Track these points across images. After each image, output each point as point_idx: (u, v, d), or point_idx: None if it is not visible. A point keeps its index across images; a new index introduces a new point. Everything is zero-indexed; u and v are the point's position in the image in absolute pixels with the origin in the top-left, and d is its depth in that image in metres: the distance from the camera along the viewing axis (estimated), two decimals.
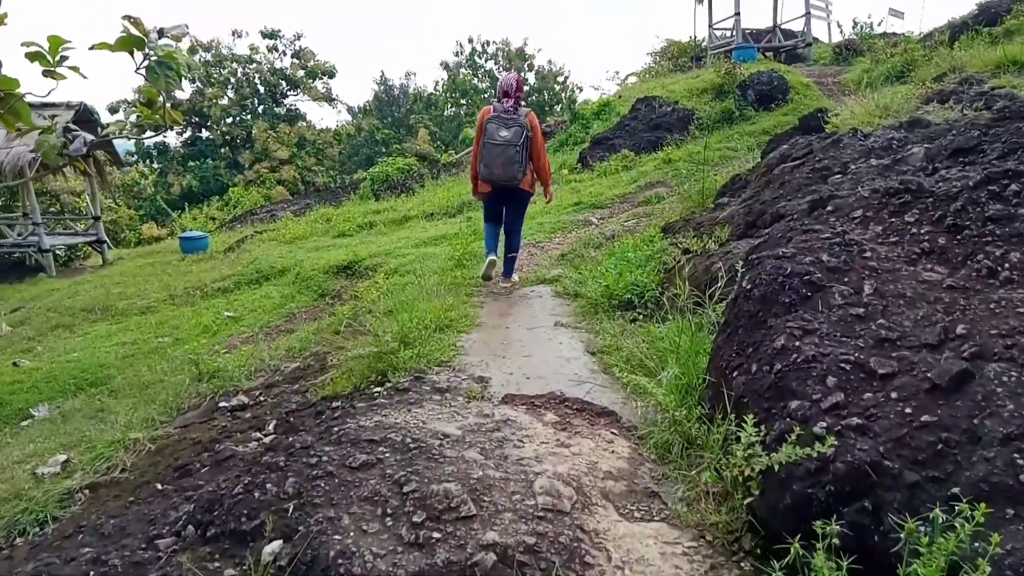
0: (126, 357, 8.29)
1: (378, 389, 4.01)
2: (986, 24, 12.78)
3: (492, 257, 6.39)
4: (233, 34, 40.71)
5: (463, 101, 44.16)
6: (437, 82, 45.49)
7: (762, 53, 18.64)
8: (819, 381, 2.75)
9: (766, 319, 3.26)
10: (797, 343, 2.98)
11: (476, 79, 45.46)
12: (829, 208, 4.16)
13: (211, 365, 5.99)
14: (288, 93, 42.54)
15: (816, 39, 20.82)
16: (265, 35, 40.10)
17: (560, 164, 13.65)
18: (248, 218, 20.50)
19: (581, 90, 45.22)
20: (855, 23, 21.90)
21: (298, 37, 41.06)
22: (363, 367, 4.41)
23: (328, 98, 44.19)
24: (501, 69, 46.10)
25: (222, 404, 5.29)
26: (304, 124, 41.48)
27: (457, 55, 45.64)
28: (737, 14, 19.08)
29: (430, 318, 5.12)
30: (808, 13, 19.54)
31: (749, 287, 3.44)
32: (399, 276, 8.09)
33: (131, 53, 3.04)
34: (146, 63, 2.92)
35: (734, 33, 19.38)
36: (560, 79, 44.63)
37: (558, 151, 15.15)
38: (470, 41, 45.08)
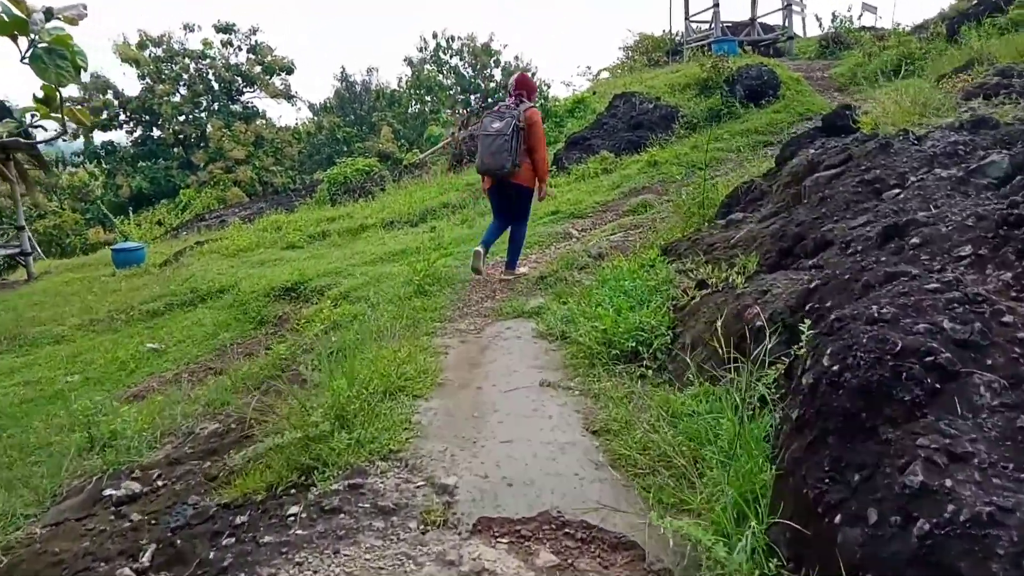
0: (24, 402, 6.94)
1: (294, 509, 2.80)
2: (989, 14, 11.93)
3: (477, 248, 6.58)
4: (185, 28, 38.66)
5: (428, 98, 42.75)
6: (401, 78, 44.10)
7: (741, 47, 17.71)
8: (1012, 566, 1.66)
9: (875, 425, 2.16)
10: (947, 481, 1.89)
11: (441, 75, 44.06)
12: (914, 240, 3.06)
13: (108, 428, 4.74)
14: (244, 90, 40.73)
15: (795, 33, 19.94)
16: (219, 29, 38.26)
17: None
18: (195, 224, 19.00)
19: (550, 86, 44.09)
20: (834, 16, 21.12)
21: (254, 31, 39.29)
22: (282, 460, 3.21)
23: (287, 95, 42.43)
24: (467, 65, 44.78)
25: (108, 491, 4.06)
26: (262, 122, 39.78)
27: (421, 50, 44.13)
28: (716, 5, 18.13)
29: (377, 378, 3.92)
30: (789, 5, 18.66)
31: (837, 370, 2.32)
32: (348, 304, 6.86)
33: (13, 38, 2.63)
34: (31, 50, 2.58)
35: (713, 25, 18.43)
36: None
37: None
38: (434, 36, 43.50)
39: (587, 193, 9.98)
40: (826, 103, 11.96)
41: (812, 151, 5.06)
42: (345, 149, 39.00)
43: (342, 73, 44.73)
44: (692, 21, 20.03)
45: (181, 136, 37.65)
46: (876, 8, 20.55)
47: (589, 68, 27.25)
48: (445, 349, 4.83)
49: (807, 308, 3.17)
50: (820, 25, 21.61)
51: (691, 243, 5.36)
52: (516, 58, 45.74)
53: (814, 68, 14.64)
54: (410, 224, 11.46)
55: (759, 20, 20.05)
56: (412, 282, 6.57)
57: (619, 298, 4.80)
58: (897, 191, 3.96)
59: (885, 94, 8.37)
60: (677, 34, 21.28)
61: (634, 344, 4.12)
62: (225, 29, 38.35)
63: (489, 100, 44.57)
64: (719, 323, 3.74)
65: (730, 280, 4.19)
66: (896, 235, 3.24)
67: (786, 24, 19.31)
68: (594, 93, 15.56)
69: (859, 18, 20.19)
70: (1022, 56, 7.11)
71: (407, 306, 5.96)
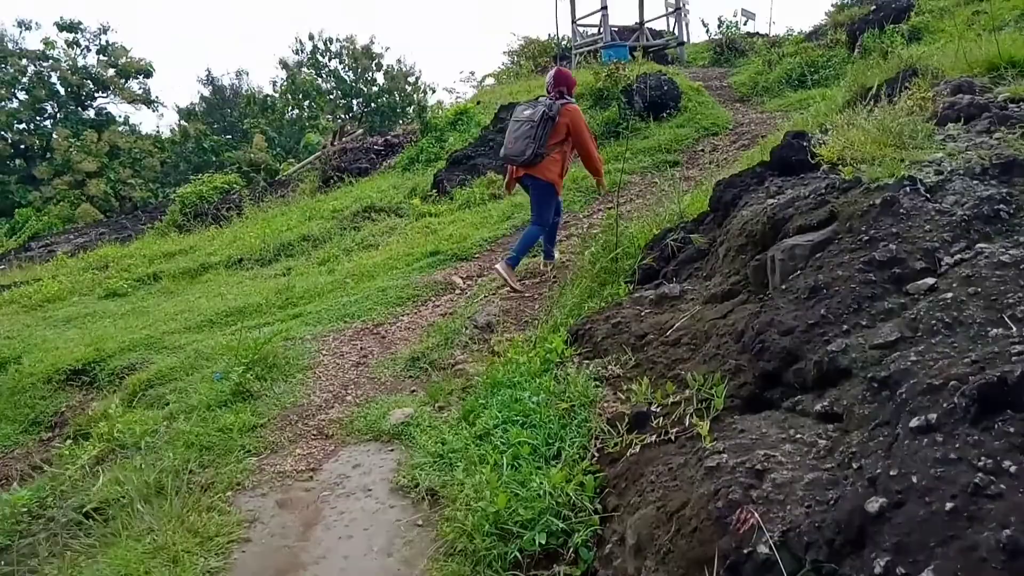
0: None
1: None
2: (892, 20, 11.23)
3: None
4: (20, 25, 34.52)
5: (305, 103, 40.12)
6: (275, 82, 41.15)
7: (631, 53, 16.67)
8: None
9: None
10: None
11: (320, 79, 41.55)
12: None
13: None
14: (96, 95, 36.84)
15: (684, 39, 19.14)
16: (62, 27, 34.32)
17: (410, 189, 10.80)
18: (14, 257, 16.02)
19: (434, 91, 42.39)
20: (721, 22, 20.54)
21: (104, 30, 35.57)
22: None
23: (146, 100, 38.74)
24: (347, 69, 42.44)
25: None
26: (117, 130, 35.99)
27: (297, 52, 41.54)
28: (604, 9, 17.00)
29: None
30: (679, 9, 17.80)
31: None
32: (144, 407, 4.97)
33: None
34: None
35: (602, 30, 17.31)
36: (411, 79, 41.65)
37: (407, 170, 12.28)
38: (311, 38, 41.15)
39: (473, 226, 8.39)
40: (730, 116, 10.92)
41: (769, 201, 3.69)
42: (214, 159, 35.76)
43: (208, 76, 41.27)
44: (579, 25, 18.88)
45: (21, 147, 33.45)
46: (755, 14, 20.17)
47: (473, 74, 25.60)
48: (248, 524, 3.09)
49: (866, 553, 1.70)
50: (707, 31, 21.02)
51: (611, 327, 3.85)
52: (399, 61, 43.80)
53: (711, 76, 13.68)
54: (262, 263, 9.50)
55: (648, 24, 19.14)
56: (239, 363, 4.76)
57: (515, 427, 3.22)
58: (931, 280, 2.57)
59: (816, 114, 7.24)
60: (564, 38, 20.11)
61: (543, 540, 2.54)
62: (70, 28, 34.46)
63: (372, 105, 42.45)
64: (682, 516, 2.24)
65: (686, 421, 2.69)
66: (1004, 401, 1.82)
67: (675, 30, 18.49)
68: (478, 103, 14.01)
69: (745, 24, 19.65)
70: (972, 70, 6.10)
71: (216, 422, 4.16)
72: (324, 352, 5.36)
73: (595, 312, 4.30)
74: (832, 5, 25.78)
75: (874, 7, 12.05)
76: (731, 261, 3.67)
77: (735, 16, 18.34)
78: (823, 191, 3.53)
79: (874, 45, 11.09)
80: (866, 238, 2.92)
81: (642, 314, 3.85)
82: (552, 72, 6.29)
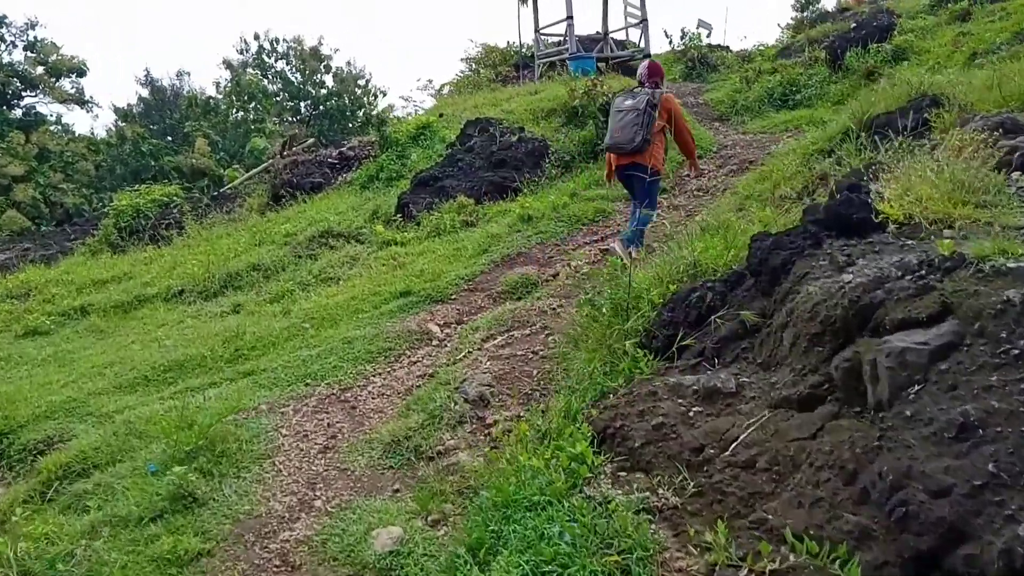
0: None
1: None
2: (876, 39, 10.84)
3: (616, 241, 6.30)
4: None
5: (251, 106, 38.56)
6: (218, 83, 39.50)
7: (597, 65, 16.09)
8: None
9: None
10: None
11: (266, 80, 40.06)
12: None
13: None
14: (23, 94, 34.73)
15: (650, 51, 18.63)
16: None
17: (371, 212, 9.92)
18: None
19: (384, 94, 41.17)
20: (684, 33, 20.11)
21: (32, 25, 33.53)
22: None
23: (79, 100, 36.73)
24: (295, 70, 41.01)
25: None
26: (48, 131, 33.96)
27: (242, 53, 39.99)
28: (570, 18, 16.37)
29: None
30: (644, 21, 17.28)
31: None
32: (62, 507, 4.04)
33: None
34: None
35: (567, 40, 16.67)
36: (361, 82, 40.48)
37: (366, 189, 11.37)
38: (256, 38, 39.68)
39: (446, 259, 7.58)
40: (712, 137, 10.35)
41: (845, 278, 3.01)
42: (153, 163, 34.00)
43: (147, 76, 39.31)
44: (543, 34, 18.21)
45: None
46: (711, 26, 19.88)
47: (431, 82, 24.25)
48: None
49: None
50: (670, 42, 20.56)
51: (652, 429, 3.10)
52: (349, 63, 42.45)
53: (684, 92, 13.13)
54: (206, 296, 8.50)
55: (612, 35, 18.61)
56: (173, 472, 3.86)
57: None
58: None
59: (816, 140, 6.68)
60: (526, 47, 19.42)
61: None
62: None
63: (320, 108, 41.03)
64: None
65: None
66: None
67: (640, 41, 17.97)
68: (441, 115, 13.17)
69: (708, 36, 19.25)
70: (1008, 103, 5.58)
71: (150, 547, 3.28)
72: (284, 431, 4.50)
73: (620, 397, 3.56)
74: (791, 18, 25.89)
75: (855, 24, 11.67)
76: (803, 353, 2.97)
77: (697, 28, 17.85)
78: (919, 270, 2.87)
79: (858, 64, 10.69)
80: (1016, 351, 2.25)
81: (690, 414, 3.13)
82: (645, 64, 6.70)
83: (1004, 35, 9.76)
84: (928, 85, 6.98)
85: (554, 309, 6.04)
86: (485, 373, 4.84)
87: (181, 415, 4.37)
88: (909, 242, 3.29)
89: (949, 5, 12.01)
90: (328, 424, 4.62)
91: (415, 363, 5.54)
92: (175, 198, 15.32)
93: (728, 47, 19.01)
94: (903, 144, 5.53)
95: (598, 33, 18.85)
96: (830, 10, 22.09)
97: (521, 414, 4.22)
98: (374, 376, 5.38)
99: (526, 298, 6.48)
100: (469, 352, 5.51)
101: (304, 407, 4.87)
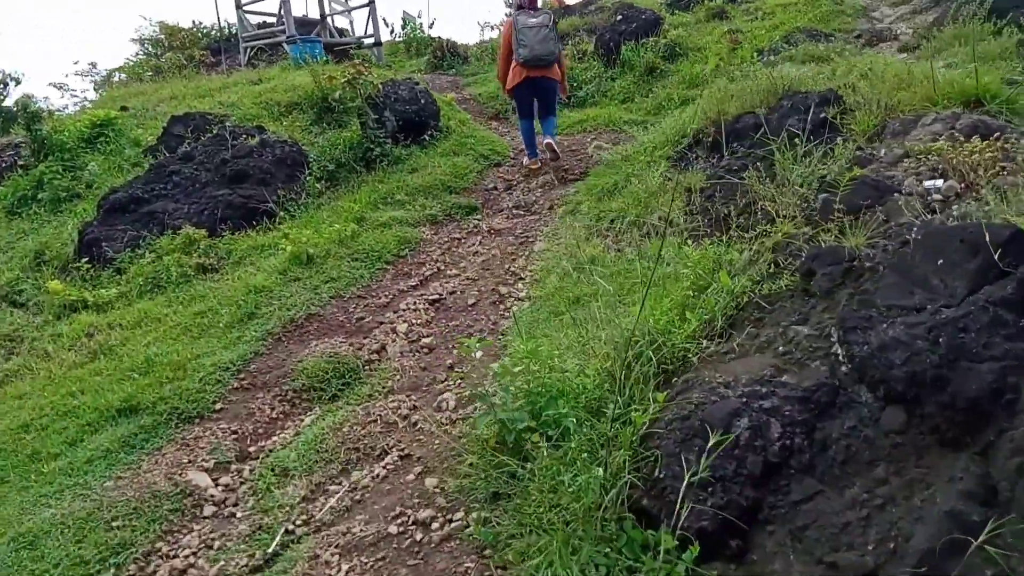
0: None
1: None
2: (647, 35, 10.01)
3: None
4: None
5: None
6: None
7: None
8: None
9: None
10: None
11: None
12: None
13: None
14: None
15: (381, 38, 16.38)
16: None
17: (34, 255, 6.46)
18: None
19: (18, 81, 33.05)
20: (405, 22, 18.36)
21: None
22: None
23: None
24: None
25: None
26: None
27: None
28: None
29: None
30: (372, 3, 14.99)
31: None
32: None
33: None
34: None
35: (283, 20, 13.78)
36: None
37: (16, 216, 7.60)
38: None
39: (187, 334, 4.79)
40: (502, 140, 8.64)
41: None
42: None
43: None
44: (246, 11, 15.01)
45: None
46: (416, 17, 18.72)
47: (94, 66, 18.85)
48: None
49: None
50: (391, 31, 18.62)
51: None
52: None
53: (443, 86, 11.22)
54: None
55: (331, 19, 16.06)
56: None
57: None
58: None
59: (649, 145, 5.28)
60: (224, 27, 16.02)
61: None
62: None
63: None
64: None
65: None
66: None
67: (368, 27, 15.67)
68: (124, 109, 9.64)
69: (431, 27, 17.73)
70: (938, 103, 4.52)
71: None
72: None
73: None
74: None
75: (620, 17, 10.77)
76: None
77: (418, 15, 16.19)
78: None
79: (637, 60, 9.74)
80: None
81: None
82: None
83: (779, 32, 9.46)
84: (790, 80, 5.93)
85: (407, 418, 3.79)
86: None
87: None
88: None
89: (705, 3, 11.73)
90: None
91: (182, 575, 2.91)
92: None
93: (439, 37, 17.69)
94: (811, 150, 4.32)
95: (318, 18, 16.15)
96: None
97: None
98: None
99: (348, 397, 4.10)
100: (288, 534, 3.06)
101: None
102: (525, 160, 7.53)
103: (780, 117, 5.46)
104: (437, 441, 3.50)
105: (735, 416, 2.53)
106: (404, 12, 19.16)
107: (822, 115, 5.11)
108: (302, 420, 3.96)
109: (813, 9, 10.03)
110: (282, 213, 6.63)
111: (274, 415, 4.02)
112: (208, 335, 4.77)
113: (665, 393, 2.83)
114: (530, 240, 5.96)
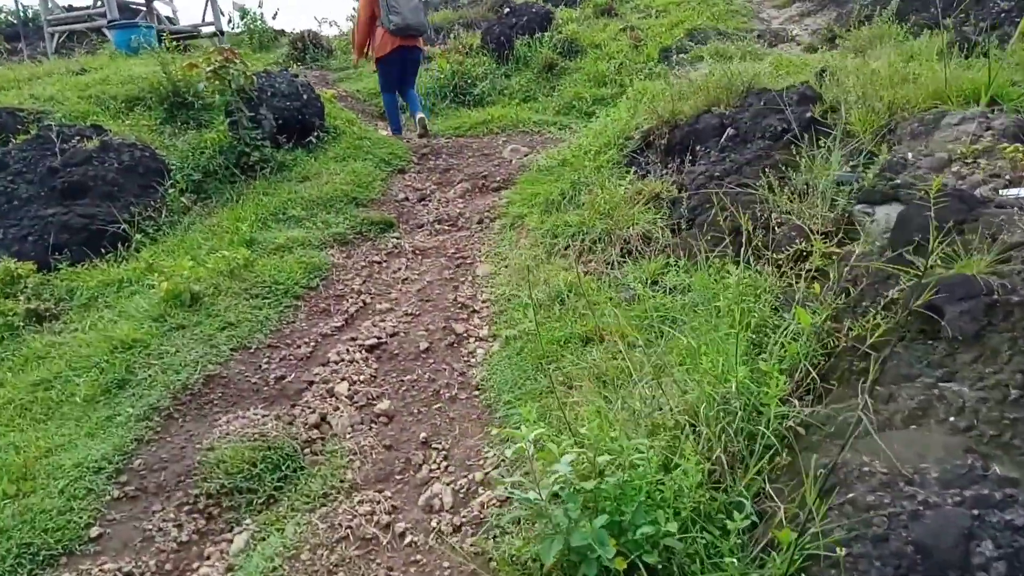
0: None
1: None
2: (539, 30, 9.29)
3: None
4: None
5: None
6: None
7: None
8: None
9: None
10: None
11: None
12: None
13: None
14: None
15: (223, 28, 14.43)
16: None
17: None
18: None
19: None
20: (244, 12, 16.53)
21: None
22: None
23: None
24: None
25: None
26: None
27: None
28: None
29: None
30: None
31: None
32: None
33: None
34: None
35: (104, 3, 11.66)
36: None
37: None
38: None
39: (29, 415, 3.36)
40: (400, 142, 7.53)
41: None
42: None
43: None
44: None
45: None
46: (243, 7, 17.01)
47: None
48: None
49: None
50: (229, 21, 16.67)
51: None
52: None
53: (314, 82, 9.85)
54: None
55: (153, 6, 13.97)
56: None
57: None
58: None
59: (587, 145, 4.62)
60: (23, 9, 13.44)
61: None
62: None
63: None
64: None
65: None
66: None
67: (206, 15, 13.77)
68: None
69: (274, 17, 16.07)
70: (948, 100, 4.04)
71: None
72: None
73: None
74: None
75: (509, 10, 9.97)
76: None
77: (260, 6, 14.49)
78: None
79: (534, 56, 9.00)
80: None
81: None
82: None
83: (678, 31, 9.06)
84: (751, 76, 5.37)
85: (389, 528, 2.72)
86: None
87: None
88: None
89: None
90: None
91: None
92: None
93: (283, 30, 16.12)
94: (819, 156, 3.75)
95: (144, 3, 13.99)
96: None
97: None
98: None
99: (292, 498, 2.94)
100: None
101: None
102: (386, 134, 7.51)
103: (753, 116, 4.88)
104: (447, 564, 2.47)
105: (970, 539, 1.75)
106: (234, 3, 17.16)
107: (807, 114, 4.58)
108: (230, 542, 2.76)
109: (708, 8, 9.75)
110: (139, 236, 5.17)
111: (184, 538, 2.77)
112: (60, 416, 3.38)
113: (816, 491, 2.01)
114: (468, 262, 4.97)
